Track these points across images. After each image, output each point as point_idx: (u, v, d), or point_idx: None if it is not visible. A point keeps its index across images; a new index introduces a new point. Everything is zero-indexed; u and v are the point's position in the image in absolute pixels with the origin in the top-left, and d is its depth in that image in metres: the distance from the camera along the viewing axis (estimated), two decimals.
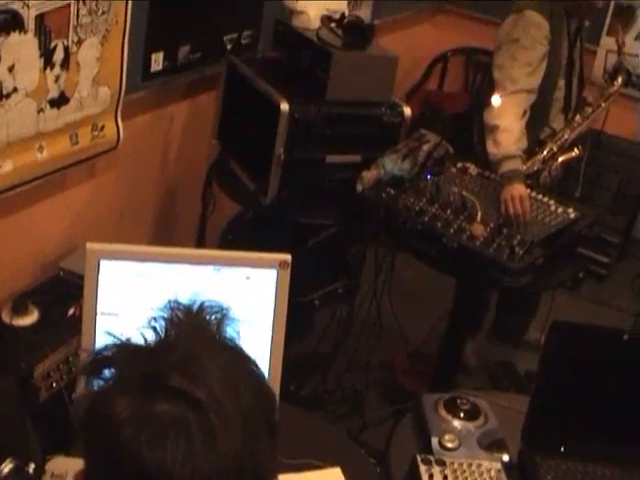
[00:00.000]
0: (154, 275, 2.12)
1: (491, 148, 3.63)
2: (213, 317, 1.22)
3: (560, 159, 3.99)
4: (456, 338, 3.81)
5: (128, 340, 1.19)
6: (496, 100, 3.60)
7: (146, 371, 1.13)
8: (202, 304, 1.23)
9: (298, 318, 4.08)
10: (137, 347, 1.18)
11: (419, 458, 2.29)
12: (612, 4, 5.88)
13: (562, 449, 2.47)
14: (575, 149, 4.06)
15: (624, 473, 2.45)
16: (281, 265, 2.17)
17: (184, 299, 1.24)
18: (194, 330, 1.20)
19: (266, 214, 3.73)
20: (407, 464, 2.31)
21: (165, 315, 1.20)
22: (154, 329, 1.19)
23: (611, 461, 2.47)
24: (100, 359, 1.18)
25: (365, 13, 5.22)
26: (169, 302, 1.22)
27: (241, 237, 4.04)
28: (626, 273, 5.69)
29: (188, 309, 1.22)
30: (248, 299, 2.18)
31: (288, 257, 2.18)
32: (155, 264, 2.14)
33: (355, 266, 4.23)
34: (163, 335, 1.18)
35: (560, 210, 3.59)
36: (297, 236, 3.82)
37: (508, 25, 3.89)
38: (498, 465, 2.33)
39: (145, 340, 1.18)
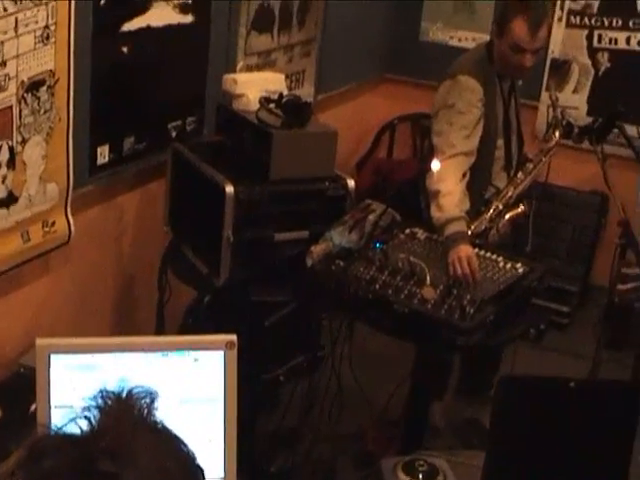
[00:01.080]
0: (104, 365, 2.16)
1: (435, 212, 3.71)
2: (142, 401, 1.28)
3: (507, 216, 4.06)
4: (420, 400, 3.84)
5: (61, 430, 1.24)
6: (436, 165, 3.68)
7: (78, 458, 1.18)
8: (130, 390, 1.28)
9: (264, 395, 4.14)
10: (70, 436, 1.23)
11: None
12: (548, 60, 6.07)
13: None
14: (521, 205, 4.14)
15: None
16: (227, 345, 2.22)
17: (114, 387, 1.29)
18: (123, 415, 1.25)
19: (222, 296, 3.77)
20: None
21: (96, 404, 1.25)
22: (87, 418, 1.24)
23: None
24: (35, 451, 1.23)
25: (308, 90, 5.34)
26: (100, 391, 1.28)
27: (201, 321, 4.07)
28: (587, 320, 5.75)
29: (118, 396, 1.27)
30: (198, 381, 2.22)
31: (234, 337, 2.23)
32: (104, 355, 2.18)
33: (317, 338, 4.29)
34: (95, 423, 1.23)
35: (509, 266, 3.67)
36: (256, 314, 3.87)
37: (443, 91, 4.00)
38: None
39: (80, 429, 1.23)
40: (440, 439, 4.40)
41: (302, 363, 4.17)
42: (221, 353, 2.22)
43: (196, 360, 2.21)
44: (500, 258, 3.71)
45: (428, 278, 3.39)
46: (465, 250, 3.56)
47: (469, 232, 3.81)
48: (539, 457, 2.51)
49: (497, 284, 3.49)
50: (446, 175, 3.72)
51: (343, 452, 4.10)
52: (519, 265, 3.68)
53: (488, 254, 3.73)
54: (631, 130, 4.21)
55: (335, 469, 4.01)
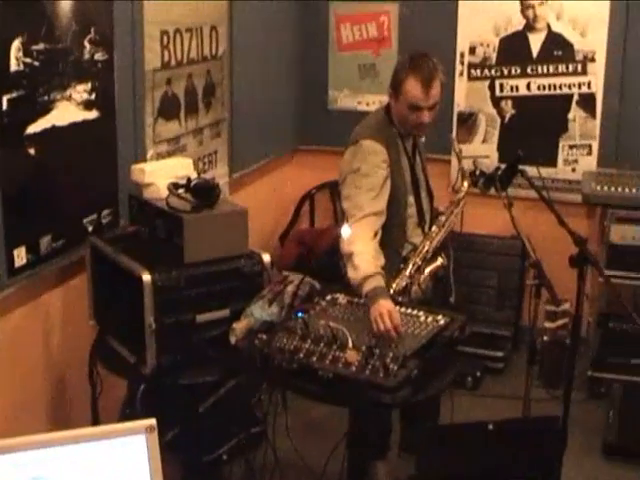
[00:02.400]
0: (29, 463, 2.19)
1: (351, 273, 3.78)
2: None
3: (426, 271, 4.15)
4: (358, 461, 3.87)
5: None
6: (346, 230, 3.77)
7: None
8: None
9: (209, 476, 4.16)
10: None
11: None
12: (455, 113, 6.23)
13: None
14: (439, 258, 4.23)
15: None
16: (148, 430, 2.26)
17: None
18: None
19: (154, 383, 3.81)
20: None
21: None
22: None
23: None
24: None
25: (222, 170, 5.43)
26: None
27: (138, 410, 4.09)
28: (522, 363, 5.80)
29: None
30: (124, 468, 2.25)
31: (153, 421, 2.27)
32: (28, 452, 2.21)
33: (254, 413, 4.34)
34: None
35: (430, 319, 3.74)
36: (189, 398, 3.91)
37: (348, 157, 4.10)
38: None
39: None
40: None
41: (242, 440, 4.20)
42: (142, 438, 2.26)
43: (119, 447, 2.25)
44: (421, 313, 3.78)
45: (350, 341, 3.44)
46: (386, 305, 3.62)
47: (391, 291, 3.88)
48: None
49: (419, 338, 3.55)
50: (358, 236, 3.81)
51: None
52: (440, 317, 3.75)
53: (409, 310, 3.80)
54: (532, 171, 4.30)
55: None
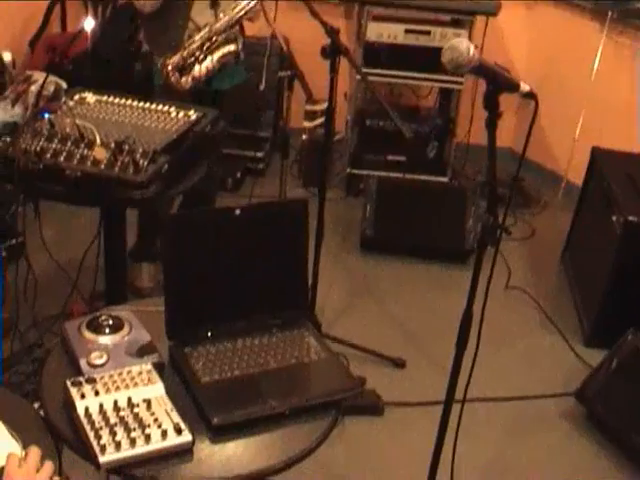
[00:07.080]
0: None
1: None
2: None
3: (217, 54, 4.33)
4: (116, 261, 3.79)
5: None
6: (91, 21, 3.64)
7: None
8: None
9: None
10: None
11: (69, 383, 2.29)
12: None
13: (209, 334, 2.57)
14: (232, 44, 4.32)
15: (269, 337, 2.61)
16: None
17: None
18: None
19: None
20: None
21: None
22: None
23: (253, 331, 2.61)
24: None
25: None
26: None
27: None
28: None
29: None
30: None
31: None
32: None
33: (12, 226, 4.23)
34: None
35: (181, 115, 3.67)
36: None
37: None
38: (148, 366, 2.39)
39: None
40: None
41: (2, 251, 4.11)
42: None
43: None
44: (172, 108, 3.71)
45: (98, 139, 3.32)
46: None
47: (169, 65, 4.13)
48: (215, 288, 2.57)
49: (170, 133, 3.47)
50: None
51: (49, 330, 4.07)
52: (192, 112, 3.70)
53: (159, 107, 3.71)
54: None
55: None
